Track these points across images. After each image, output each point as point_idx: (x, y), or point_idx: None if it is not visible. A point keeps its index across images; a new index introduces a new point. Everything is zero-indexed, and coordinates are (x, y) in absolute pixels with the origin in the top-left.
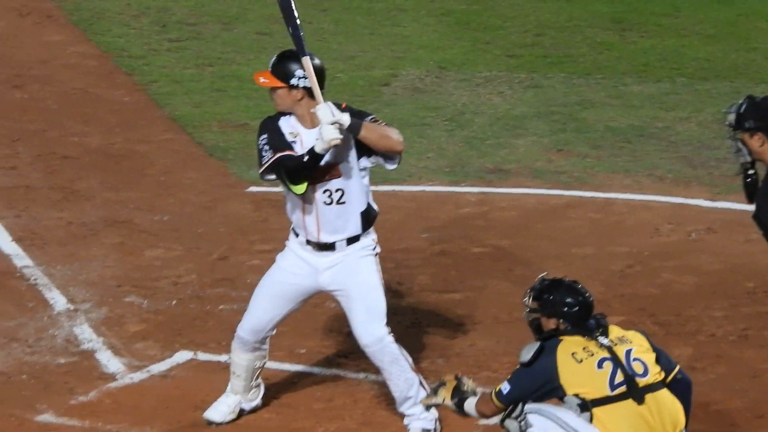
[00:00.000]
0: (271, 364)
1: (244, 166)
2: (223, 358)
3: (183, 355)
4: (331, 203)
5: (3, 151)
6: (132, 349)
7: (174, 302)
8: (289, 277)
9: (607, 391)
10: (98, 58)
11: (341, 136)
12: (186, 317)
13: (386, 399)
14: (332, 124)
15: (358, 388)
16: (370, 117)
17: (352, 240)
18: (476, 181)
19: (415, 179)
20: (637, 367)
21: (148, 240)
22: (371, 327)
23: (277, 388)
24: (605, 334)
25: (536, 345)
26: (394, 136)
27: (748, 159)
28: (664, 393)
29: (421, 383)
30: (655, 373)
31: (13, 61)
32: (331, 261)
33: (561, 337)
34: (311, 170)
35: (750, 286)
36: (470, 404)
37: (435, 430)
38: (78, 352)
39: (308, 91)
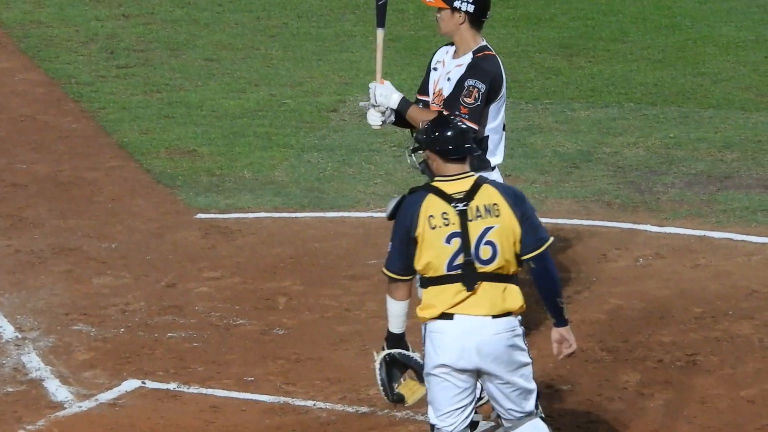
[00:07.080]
0: (219, 392)
1: (192, 194)
2: (171, 386)
3: (131, 384)
4: None
5: None
6: (80, 377)
7: (122, 330)
8: None
9: (443, 271)
10: (46, 85)
11: (380, 124)
12: (134, 345)
13: (335, 427)
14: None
15: (306, 416)
16: (468, 84)
17: None
18: None
19: (363, 206)
20: (485, 253)
21: (96, 268)
22: None
23: (225, 417)
24: (470, 198)
25: (397, 198)
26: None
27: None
28: (499, 285)
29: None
30: (503, 262)
31: None
32: None
33: (426, 194)
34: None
35: (698, 312)
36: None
37: None
38: (26, 381)
39: (471, 17)
